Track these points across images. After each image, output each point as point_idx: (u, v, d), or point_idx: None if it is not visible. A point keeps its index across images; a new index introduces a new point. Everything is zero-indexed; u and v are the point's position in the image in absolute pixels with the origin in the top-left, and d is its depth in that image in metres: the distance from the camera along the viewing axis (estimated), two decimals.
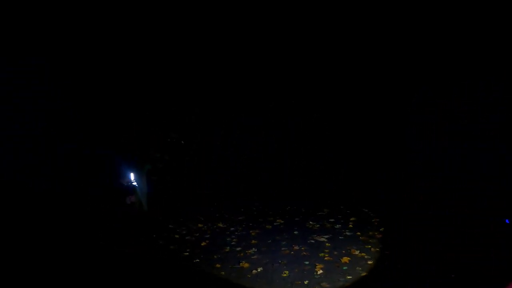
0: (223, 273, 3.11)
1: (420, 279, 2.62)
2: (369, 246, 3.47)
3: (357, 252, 3.33)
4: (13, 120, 5.25)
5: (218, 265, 3.29)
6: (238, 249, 3.73)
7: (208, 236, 4.24)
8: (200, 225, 4.70)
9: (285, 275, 2.94)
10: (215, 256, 3.52)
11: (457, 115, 4.70)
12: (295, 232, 4.18)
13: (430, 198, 4.69)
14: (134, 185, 5.37)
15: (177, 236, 4.29)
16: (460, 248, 3.04)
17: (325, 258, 3.25)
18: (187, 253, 3.67)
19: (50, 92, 5.52)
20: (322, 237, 3.90)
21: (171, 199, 6.12)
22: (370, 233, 3.91)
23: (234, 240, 4.03)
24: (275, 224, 4.65)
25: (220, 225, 4.69)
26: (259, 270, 3.10)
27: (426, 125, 5.10)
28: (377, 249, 3.33)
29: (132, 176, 5.31)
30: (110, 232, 4.47)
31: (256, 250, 3.64)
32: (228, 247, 3.78)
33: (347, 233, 3.99)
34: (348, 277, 2.77)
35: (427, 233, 3.68)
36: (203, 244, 3.95)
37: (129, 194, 5.24)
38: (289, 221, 4.73)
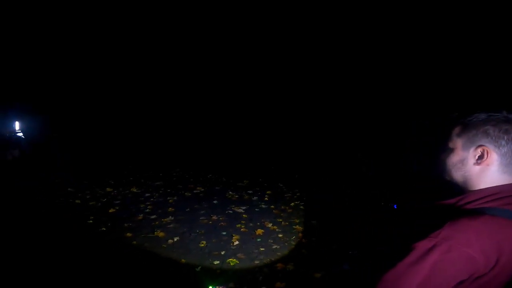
0: (134, 242, 2.92)
1: (323, 255, 3.06)
2: (281, 220, 3.82)
3: (270, 225, 3.62)
4: None
5: (129, 234, 3.06)
6: (153, 217, 3.54)
7: (118, 202, 3.86)
8: (109, 189, 4.22)
9: (202, 245, 2.97)
10: (125, 225, 3.25)
11: None
12: (214, 202, 4.23)
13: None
14: (19, 137, 4.26)
15: (78, 201, 3.74)
16: (357, 229, 3.65)
17: (242, 230, 3.42)
18: (91, 221, 3.26)
19: None
20: (240, 208, 4.07)
21: (73, 156, 5.22)
22: (283, 207, 4.29)
23: (149, 207, 3.79)
24: (195, 192, 4.58)
25: (134, 190, 4.32)
26: (175, 239, 3.03)
27: None
28: (287, 223, 3.70)
29: (17, 125, 4.16)
30: None
31: (173, 218, 3.53)
32: (142, 215, 3.54)
33: (263, 206, 4.27)
34: (262, 249, 3.01)
35: (330, 212, 4.27)
36: (111, 211, 3.58)
37: (12, 147, 4.14)
38: (210, 189, 4.74)
